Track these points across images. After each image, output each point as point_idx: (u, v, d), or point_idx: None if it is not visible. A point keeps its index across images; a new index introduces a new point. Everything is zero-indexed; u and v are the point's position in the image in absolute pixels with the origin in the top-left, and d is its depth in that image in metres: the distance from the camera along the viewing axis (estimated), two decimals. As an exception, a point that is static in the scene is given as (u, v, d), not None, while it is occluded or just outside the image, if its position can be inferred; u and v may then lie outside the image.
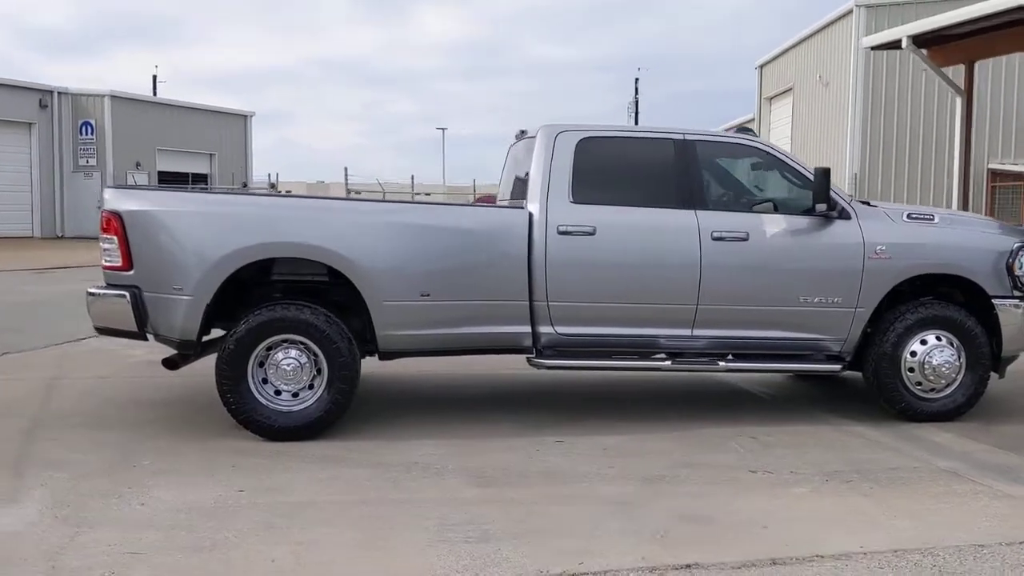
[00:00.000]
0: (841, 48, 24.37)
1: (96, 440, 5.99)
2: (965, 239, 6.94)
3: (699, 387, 8.05)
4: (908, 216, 6.90)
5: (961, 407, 6.79)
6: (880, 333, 6.71)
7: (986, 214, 22.78)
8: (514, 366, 7.66)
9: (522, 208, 6.48)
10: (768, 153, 6.87)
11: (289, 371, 6.05)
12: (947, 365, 6.69)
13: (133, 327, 6.07)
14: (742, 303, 6.58)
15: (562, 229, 6.37)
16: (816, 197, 6.50)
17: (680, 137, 6.74)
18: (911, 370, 6.71)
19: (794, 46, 28.46)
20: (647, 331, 6.56)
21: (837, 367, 6.75)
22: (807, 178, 6.73)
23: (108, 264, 6.13)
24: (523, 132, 7.22)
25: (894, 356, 6.68)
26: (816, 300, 6.62)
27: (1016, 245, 6.85)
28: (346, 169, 24.92)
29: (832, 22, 25.01)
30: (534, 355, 6.50)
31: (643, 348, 6.64)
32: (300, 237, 6.07)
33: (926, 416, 6.73)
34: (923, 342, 6.72)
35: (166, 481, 5.16)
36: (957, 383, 6.76)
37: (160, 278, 6.01)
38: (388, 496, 4.98)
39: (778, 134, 30.38)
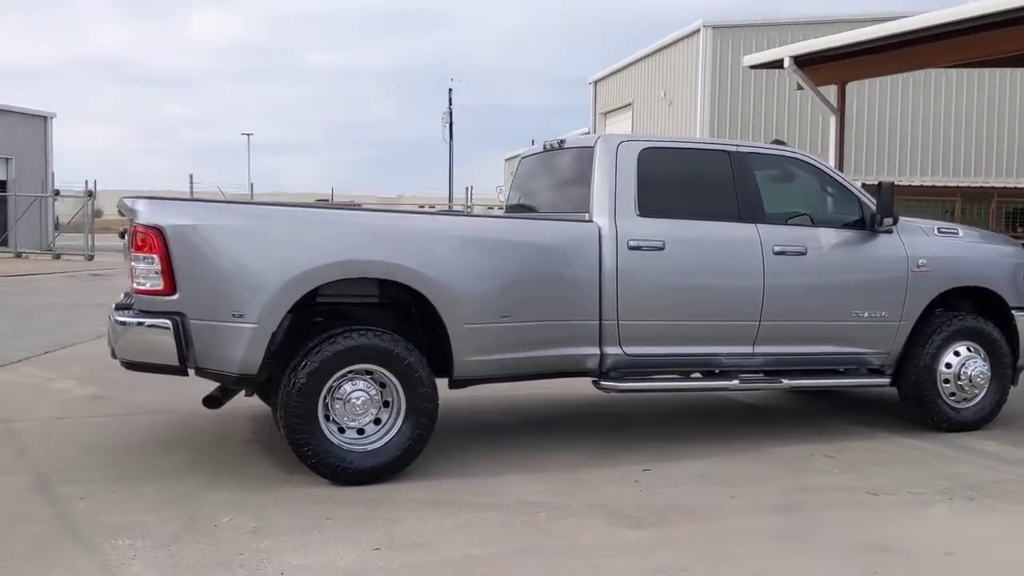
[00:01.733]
0: (686, 67, 25.26)
1: (138, 496, 5.07)
2: (988, 252, 7.18)
3: (710, 403, 7.89)
4: (939, 230, 7.04)
5: (987, 416, 6.99)
6: (919, 346, 6.80)
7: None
8: (539, 387, 7.22)
9: (589, 221, 6.08)
10: (814, 165, 6.82)
11: (359, 405, 5.37)
12: (981, 376, 6.87)
13: (174, 361, 5.19)
14: (800, 318, 6.48)
15: (632, 244, 6.03)
16: (883, 211, 6.50)
17: (735, 148, 6.58)
18: (946, 381, 6.84)
19: (634, 63, 29.26)
20: (711, 349, 6.34)
21: (885, 381, 6.79)
22: (849, 191, 6.74)
23: (143, 288, 5.22)
24: (561, 142, 6.81)
25: (932, 368, 6.79)
26: (866, 315, 6.63)
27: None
28: (191, 176, 22.98)
29: (677, 41, 25.89)
30: (599, 377, 6.12)
31: (705, 367, 6.42)
32: (382, 255, 5.42)
33: (959, 426, 6.88)
34: (956, 353, 6.87)
35: (276, 543, 4.40)
36: (984, 393, 6.95)
37: (213, 303, 5.18)
38: (546, 544, 4.47)
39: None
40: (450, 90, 76.99)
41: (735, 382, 6.39)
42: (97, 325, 12.18)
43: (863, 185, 7.21)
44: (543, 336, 5.86)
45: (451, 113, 64.23)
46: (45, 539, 4.43)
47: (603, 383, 6.10)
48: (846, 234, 6.65)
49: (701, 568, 4.20)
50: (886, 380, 6.79)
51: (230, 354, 5.19)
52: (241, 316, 5.16)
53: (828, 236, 6.60)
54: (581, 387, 7.03)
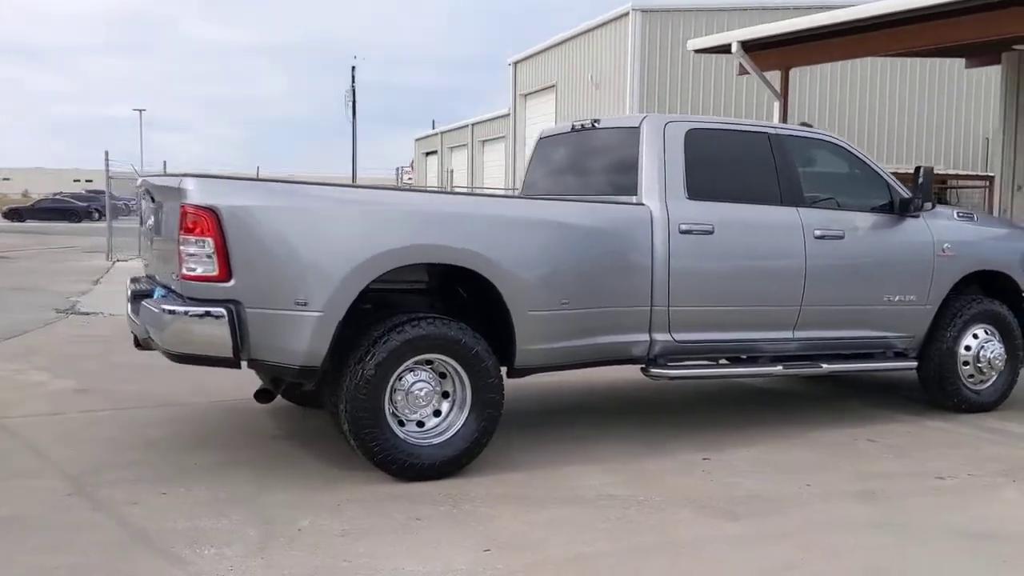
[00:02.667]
0: (615, 50, 25.26)
1: (192, 499, 4.68)
2: (1000, 236, 7.30)
3: (723, 388, 7.83)
4: (958, 215, 7.13)
5: (1000, 398, 7.12)
6: (941, 329, 6.87)
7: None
8: (565, 374, 7.01)
9: (640, 204, 5.90)
10: (846, 149, 6.79)
11: (422, 396, 5.10)
12: (999, 358, 7.00)
13: (227, 353, 4.79)
14: (838, 303, 6.45)
15: (684, 228, 5.88)
16: (925, 196, 6.52)
17: (774, 131, 6.50)
18: (966, 364, 6.93)
19: (557, 45, 29.14)
20: (754, 335, 6.25)
21: (913, 364, 6.84)
22: (878, 175, 6.75)
23: (193, 274, 4.79)
24: (595, 122, 6.59)
25: (954, 351, 6.87)
26: (897, 299, 6.65)
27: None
28: (107, 153, 21.22)
29: (604, 24, 25.86)
30: (647, 364, 5.97)
31: (746, 352, 6.34)
32: (452, 240, 5.12)
33: (977, 407, 6.98)
34: (975, 336, 6.97)
35: (373, 546, 4.11)
36: (998, 374, 7.08)
37: (274, 290, 4.80)
38: (651, 540, 4.30)
39: (537, 131, 31.07)
40: (353, 68, 75.33)
41: (779, 367, 6.34)
42: (37, 312, 11.45)
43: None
44: (598, 323, 5.67)
45: (354, 91, 62.96)
46: (118, 549, 4.03)
47: (652, 370, 5.94)
48: (878, 218, 6.65)
49: (816, 561, 4.09)
50: (913, 363, 6.84)
51: (293, 345, 4.82)
52: (305, 304, 4.80)
53: (863, 220, 6.59)
54: (606, 374, 6.86)
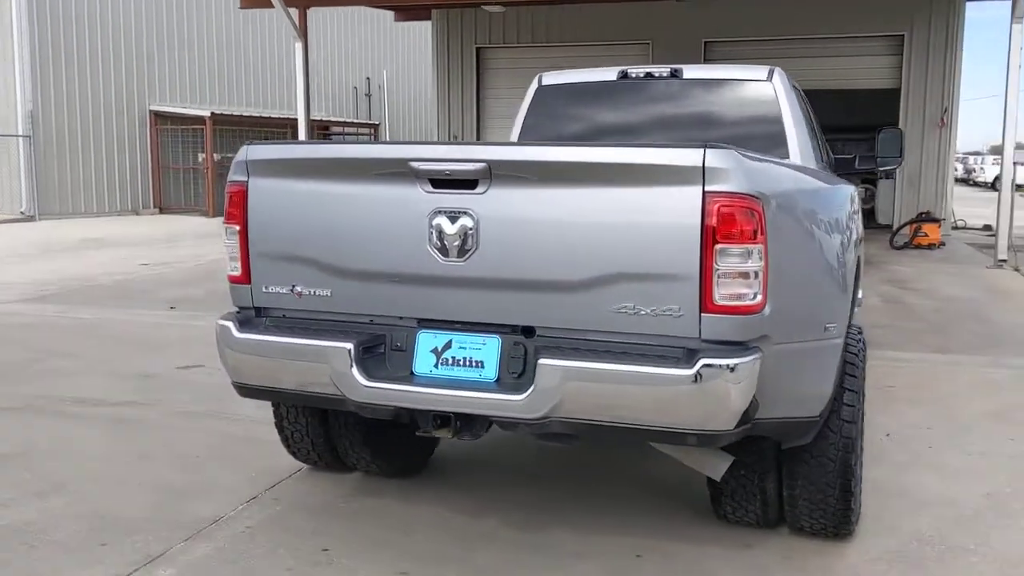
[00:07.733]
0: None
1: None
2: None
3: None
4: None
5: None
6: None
7: (154, 154, 22.80)
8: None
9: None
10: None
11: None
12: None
13: (731, 424, 3.07)
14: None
15: (834, 202, 5.44)
16: (901, 155, 6.83)
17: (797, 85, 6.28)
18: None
19: None
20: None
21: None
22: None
23: (730, 303, 2.96)
24: (675, 71, 5.52)
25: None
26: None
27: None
28: None
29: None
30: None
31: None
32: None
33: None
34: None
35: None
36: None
37: (807, 313, 3.26)
38: None
39: None
40: None
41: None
42: None
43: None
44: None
45: None
46: None
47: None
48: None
49: None
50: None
51: (819, 388, 3.34)
52: (832, 328, 3.36)
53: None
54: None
